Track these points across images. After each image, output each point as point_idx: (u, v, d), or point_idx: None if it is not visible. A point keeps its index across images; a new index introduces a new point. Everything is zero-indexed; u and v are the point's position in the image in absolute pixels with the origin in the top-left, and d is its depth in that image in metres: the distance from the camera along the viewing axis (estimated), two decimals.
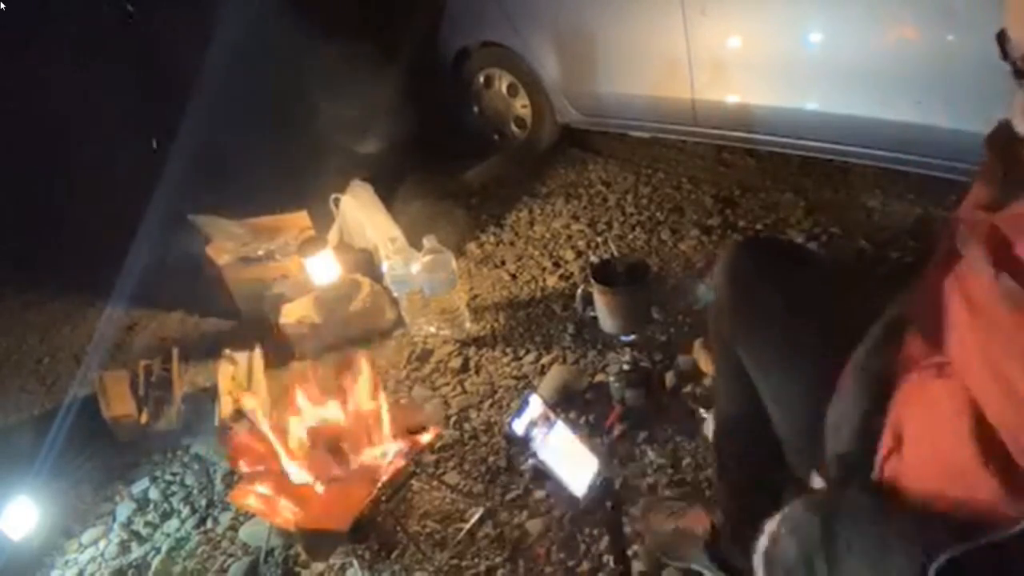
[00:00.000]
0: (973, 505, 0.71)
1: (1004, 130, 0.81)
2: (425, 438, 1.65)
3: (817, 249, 2.39)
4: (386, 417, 1.62)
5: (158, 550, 1.90)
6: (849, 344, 0.95)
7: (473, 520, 1.72)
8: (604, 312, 1.86)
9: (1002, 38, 0.76)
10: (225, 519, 1.93)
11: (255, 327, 2.61)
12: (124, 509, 2.06)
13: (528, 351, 2.25)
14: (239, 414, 1.66)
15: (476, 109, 3.72)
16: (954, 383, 0.75)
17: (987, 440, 0.70)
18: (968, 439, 0.71)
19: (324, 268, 2.47)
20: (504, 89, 3.54)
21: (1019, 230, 0.70)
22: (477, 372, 2.22)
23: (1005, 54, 0.75)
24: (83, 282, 3.20)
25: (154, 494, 2.08)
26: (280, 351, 2.43)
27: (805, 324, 1.04)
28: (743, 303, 1.14)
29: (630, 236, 2.75)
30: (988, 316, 0.72)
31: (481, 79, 3.61)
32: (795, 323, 1.06)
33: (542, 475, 1.73)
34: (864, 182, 2.73)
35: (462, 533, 1.70)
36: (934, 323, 0.79)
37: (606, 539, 1.55)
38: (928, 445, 0.78)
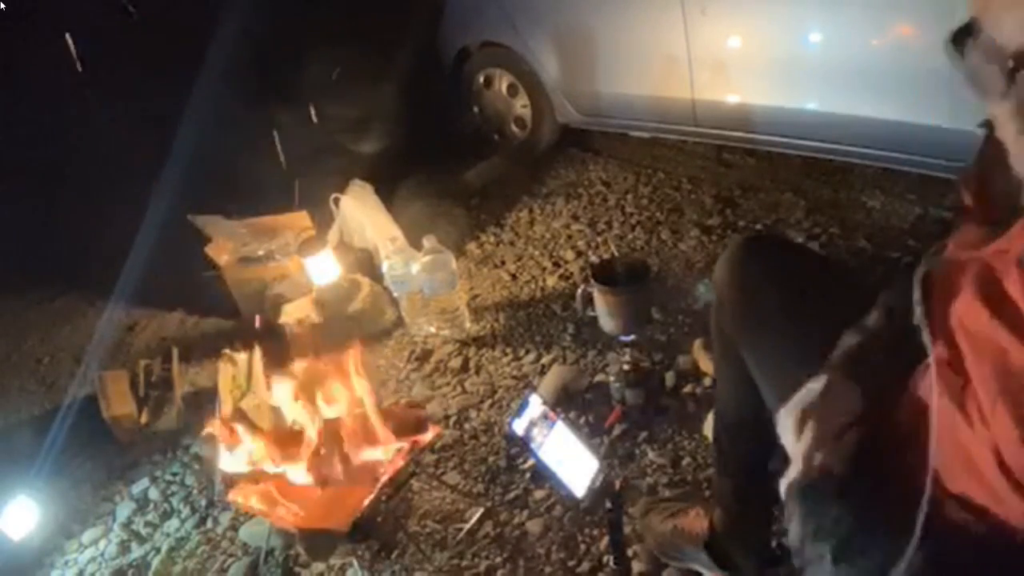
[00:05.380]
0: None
1: (975, 172, 0.78)
2: (425, 438, 1.65)
3: (817, 249, 2.39)
4: (376, 417, 1.61)
5: (158, 550, 1.90)
6: None
7: (473, 520, 1.72)
8: (604, 312, 1.85)
9: (966, 33, 0.68)
10: (225, 519, 1.93)
11: (255, 327, 2.60)
12: (124, 509, 2.06)
13: (528, 351, 2.25)
14: (239, 414, 1.66)
15: (476, 109, 3.72)
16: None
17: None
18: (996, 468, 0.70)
19: (324, 268, 2.47)
20: (504, 89, 3.54)
21: (1005, 264, 0.68)
22: (477, 372, 2.22)
23: (962, 52, 0.67)
24: (83, 282, 3.20)
25: (154, 494, 2.08)
26: (280, 351, 2.43)
27: (807, 322, 1.04)
28: (745, 300, 1.14)
29: (630, 236, 2.75)
30: (990, 352, 0.70)
31: (481, 79, 3.61)
32: (797, 321, 1.06)
33: (542, 475, 1.73)
34: (864, 182, 2.73)
35: (462, 533, 1.70)
36: (955, 362, 0.77)
37: (606, 539, 1.55)
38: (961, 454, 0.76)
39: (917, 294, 0.78)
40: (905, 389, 0.88)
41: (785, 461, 0.91)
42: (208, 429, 1.65)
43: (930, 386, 0.81)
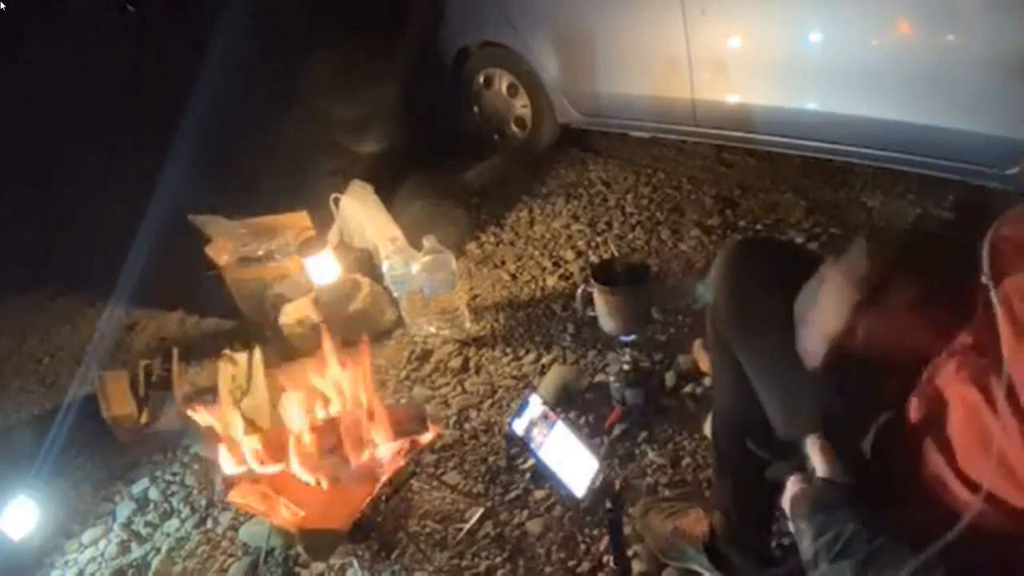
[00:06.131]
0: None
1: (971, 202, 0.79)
2: (425, 438, 1.65)
3: (817, 249, 2.39)
4: (376, 417, 1.61)
5: (158, 550, 1.90)
6: None
7: (473, 520, 1.72)
8: (604, 312, 1.85)
9: None
10: (225, 519, 1.93)
11: (255, 327, 2.61)
12: (124, 509, 2.06)
13: (528, 351, 2.25)
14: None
15: (476, 109, 3.72)
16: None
17: None
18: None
19: (324, 268, 2.47)
20: (504, 89, 3.54)
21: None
22: (477, 372, 2.22)
23: None
24: (83, 282, 3.20)
25: (154, 494, 2.08)
26: (280, 351, 2.43)
27: None
28: (740, 304, 1.14)
29: (630, 236, 2.75)
30: None
31: (481, 79, 3.60)
32: (793, 323, 1.06)
33: (542, 475, 1.73)
34: (864, 182, 2.73)
35: (462, 533, 1.70)
36: (987, 343, 0.76)
37: (606, 539, 1.55)
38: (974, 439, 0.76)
39: (986, 264, 0.76)
40: (911, 390, 0.88)
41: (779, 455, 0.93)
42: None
43: (951, 373, 0.81)
